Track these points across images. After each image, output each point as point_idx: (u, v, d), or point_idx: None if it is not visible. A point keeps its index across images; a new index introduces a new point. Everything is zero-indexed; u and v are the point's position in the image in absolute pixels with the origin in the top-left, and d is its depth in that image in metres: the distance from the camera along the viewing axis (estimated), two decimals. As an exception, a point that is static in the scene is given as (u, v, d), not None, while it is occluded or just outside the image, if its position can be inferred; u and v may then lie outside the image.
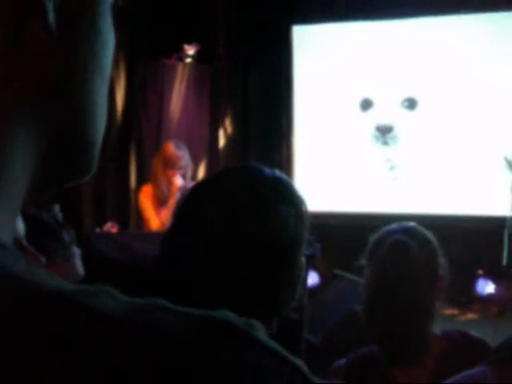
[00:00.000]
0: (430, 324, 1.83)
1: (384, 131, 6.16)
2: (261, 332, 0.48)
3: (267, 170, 1.23)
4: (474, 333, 1.85)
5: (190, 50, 6.48)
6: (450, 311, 5.64)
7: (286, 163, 6.47)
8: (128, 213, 6.17)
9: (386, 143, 6.17)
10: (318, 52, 6.48)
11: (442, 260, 1.90)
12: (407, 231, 1.89)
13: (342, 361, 1.93)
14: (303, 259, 1.23)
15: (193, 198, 1.24)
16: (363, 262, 1.92)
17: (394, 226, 1.94)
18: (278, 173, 1.24)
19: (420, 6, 6.04)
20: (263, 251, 1.14)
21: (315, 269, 5.45)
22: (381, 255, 1.85)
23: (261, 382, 0.45)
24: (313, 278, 5.43)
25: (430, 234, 1.92)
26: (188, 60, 6.50)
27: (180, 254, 1.18)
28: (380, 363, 1.82)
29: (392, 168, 6.16)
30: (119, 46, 5.72)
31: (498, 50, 5.91)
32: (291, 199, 1.21)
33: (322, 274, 5.51)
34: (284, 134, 6.56)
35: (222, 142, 6.55)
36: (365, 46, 6.32)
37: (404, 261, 1.81)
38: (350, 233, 5.25)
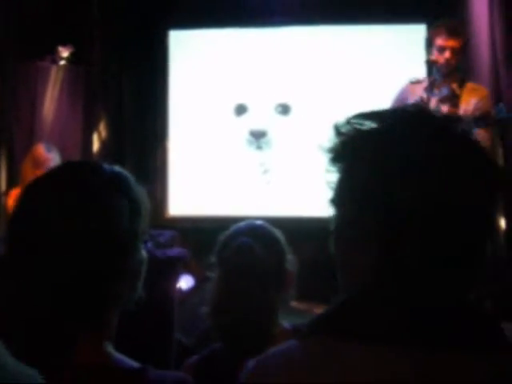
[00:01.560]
0: (275, 319, 1.90)
1: (258, 136, 6.28)
2: None
3: (105, 166, 1.26)
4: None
5: (65, 52, 6.35)
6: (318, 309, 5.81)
7: (160, 167, 6.46)
8: (-2, 218, 5.98)
9: (259, 148, 6.29)
10: (194, 57, 6.52)
11: (289, 256, 1.99)
12: (253, 231, 1.96)
13: (195, 357, 1.98)
14: (143, 253, 1.26)
15: (29, 195, 1.24)
16: (213, 260, 1.98)
17: (241, 225, 2.00)
18: (116, 168, 1.28)
19: (292, 15, 6.22)
20: (98, 245, 1.17)
21: (190, 272, 5.47)
22: (226, 258, 1.92)
23: None
24: (188, 282, 5.45)
25: (276, 232, 2.00)
26: (62, 62, 6.38)
27: (20, 253, 1.19)
28: (228, 359, 1.87)
29: (265, 172, 6.27)
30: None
31: (366, 59, 6.18)
32: (128, 193, 1.24)
33: (197, 278, 5.54)
34: (159, 138, 6.53)
35: (96, 145, 6.44)
36: (240, 52, 6.43)
37: (248, 263, 1.88)
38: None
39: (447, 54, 4.12)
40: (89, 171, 1.25)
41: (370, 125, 1.03)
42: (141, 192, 1.28)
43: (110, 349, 1.21)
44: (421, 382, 0.91)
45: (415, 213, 0.95)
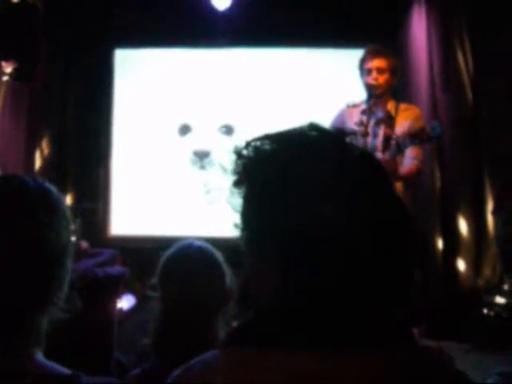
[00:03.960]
0: (214, 334, 1.94)
1: (201, 156, 6.31)
2: None
3: (30, 180, 1.28)
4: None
5: (8, 68, 6.27)
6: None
7: (103, 186, 6.42)
8: None
9: (203, 168, 6.33)
10: (140, 76, 6.54)
11: (228, 274, 2.03)
12: (195, 254, 2.00)
13: (137, 370, 1.99)
14: (70, 264, 1.29)
15: None
16: (154, 282, 2.01)
17: (183, 247, 2.03)
18: (41, 181, 1.29)
19: (236, 37, 6.29)
20: (28, 257, 1.20)
21: (132, 292, 5.45)
22: (168, 288, 1.97)
23: None
24: (129, 301, 5.42)
25: (217, 253, 2.04)
26: (5, 78, 6.30)
27: None
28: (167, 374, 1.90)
29: (208, 192, 6.30)
30: None
31: (308, 81, 6.33)
32: (58, 209, 1.27)
33: (138, 297, 5.52)
34: (102, 156, 6.50)
35: (38, 163, 6.38)
36: (185, 72, 6.48)
37: (189, 296, 1.92)
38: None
39: (374, 74, 4.28)
40: (17, 188, 1.26)
41: (268, 147, 1.04)
42: (64, 204, 1.31)
43: (40, 356, 1.22)
44: (328, 380, 0.96)
45: (310, 236, 0.97)
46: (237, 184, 1.06)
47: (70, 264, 1.28)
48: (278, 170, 1.00)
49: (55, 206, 1.27)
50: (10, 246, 1.18)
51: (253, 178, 1.04)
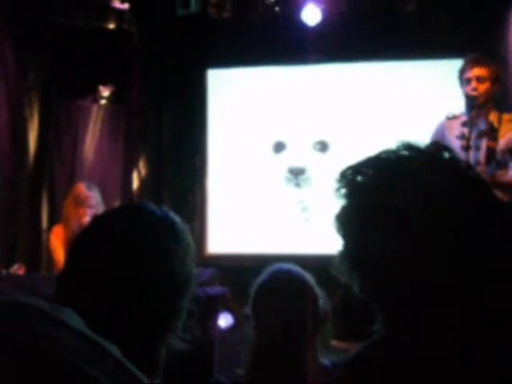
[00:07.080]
0: (312, 358, 1.88)
1: (296, 173, 6.29)
2: (71, 317, 0.61)
3: (157, 210, 1.30)
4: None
5: (105, 92, 6.47)
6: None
7: (199, 205, 6.49)
8: (39, 255, 6.04)
9: (298, 185, 6.30)
10: (233, 95, 6.59)
11: (321, 296, 1.98)
12: (287, 282, 1.96)
13: None
14: (192, 291, 1.29)
15: (87, 237, 1.26)
16: (248, 310, 1.99)
17: (273, 273, 1.99)
18: (166, 211, 1.31)
19: (330, 53, 6.26)
20: (156, 286, 1.19)
21: (229, 311, 5.45)
22: (261, 317, 1.95)
23: (60, 352, 0.57)
24: (227, 320, 5.43)
25: (307, 276, 1.99)
26: (103, 101, 6.49)
27: (75, 295, 1.18)
28: None
29: (304, 209, 6.26)
30: (33, 85, 5.64)
31: (403, 95, 6.20)
32: (183, 238, 1.28)
33: (235, 316, 5.52)
34: (198, 176, 6.58)
35: (135, 183, 6.52)
36: (277, 89, 6.48)
37: (283, 323, 1.88)
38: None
39: (474, 84, 4.15)
40: (146, 217, 1.28)
41: (366, 174, 1.11)
42: (189, 234, 1.31)
43: None
44: None
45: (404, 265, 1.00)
46: (340, 210, 1.12)
47: (191, 293, 1.28)
48: (376, 196, 1.06)
49: (180, 236, 1.27)
50: (138, 274, 1.18)
51: (354, 202, 1.10)
